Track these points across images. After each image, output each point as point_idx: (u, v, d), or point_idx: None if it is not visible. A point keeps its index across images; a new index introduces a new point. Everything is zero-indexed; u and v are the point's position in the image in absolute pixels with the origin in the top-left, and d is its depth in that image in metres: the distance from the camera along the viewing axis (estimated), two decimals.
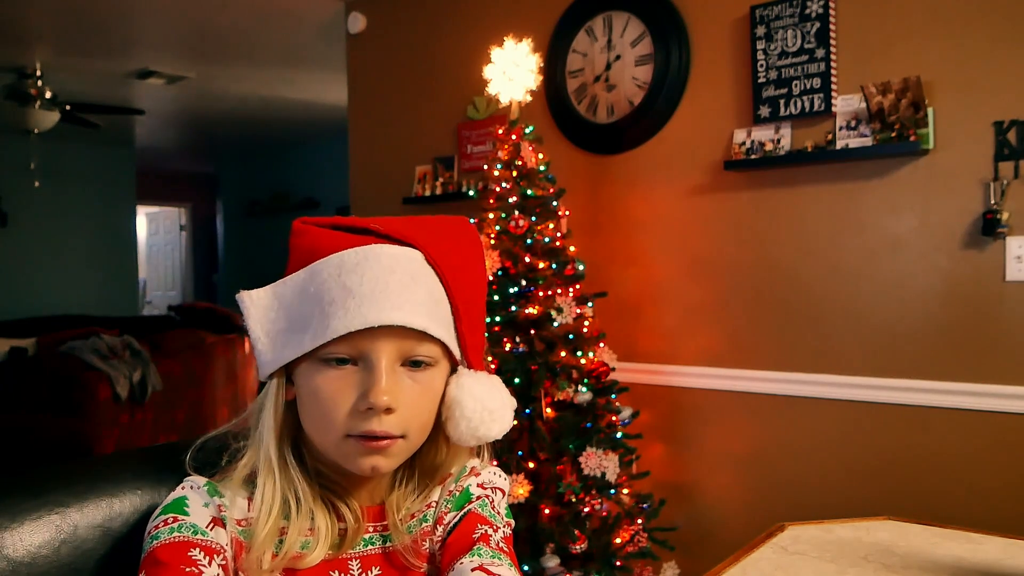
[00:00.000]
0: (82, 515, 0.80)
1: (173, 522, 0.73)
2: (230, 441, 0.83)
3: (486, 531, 0.81)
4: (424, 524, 0.84)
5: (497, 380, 0.85)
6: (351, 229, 0.81)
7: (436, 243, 0.81)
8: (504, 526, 0.84)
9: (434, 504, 0.85)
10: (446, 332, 0.79)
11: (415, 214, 3.57)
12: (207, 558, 0.72)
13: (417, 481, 0.86)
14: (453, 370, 0.83)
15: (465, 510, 0.83)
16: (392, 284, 0.76)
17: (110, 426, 4.67)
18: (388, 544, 0.83)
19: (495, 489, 0.87)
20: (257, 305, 0.80)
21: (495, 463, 0.94)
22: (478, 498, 0.85)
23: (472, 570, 0.75)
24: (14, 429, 4.86)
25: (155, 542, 0.72)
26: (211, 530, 0.74)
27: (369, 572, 0.81)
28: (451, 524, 0.83)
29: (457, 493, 0.85)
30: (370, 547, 0.82)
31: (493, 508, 0.85)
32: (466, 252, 0.85)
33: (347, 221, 0.81)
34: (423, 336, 0.77)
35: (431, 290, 0.79)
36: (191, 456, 0.83)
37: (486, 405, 0.81)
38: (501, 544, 0.81)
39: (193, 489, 0.77)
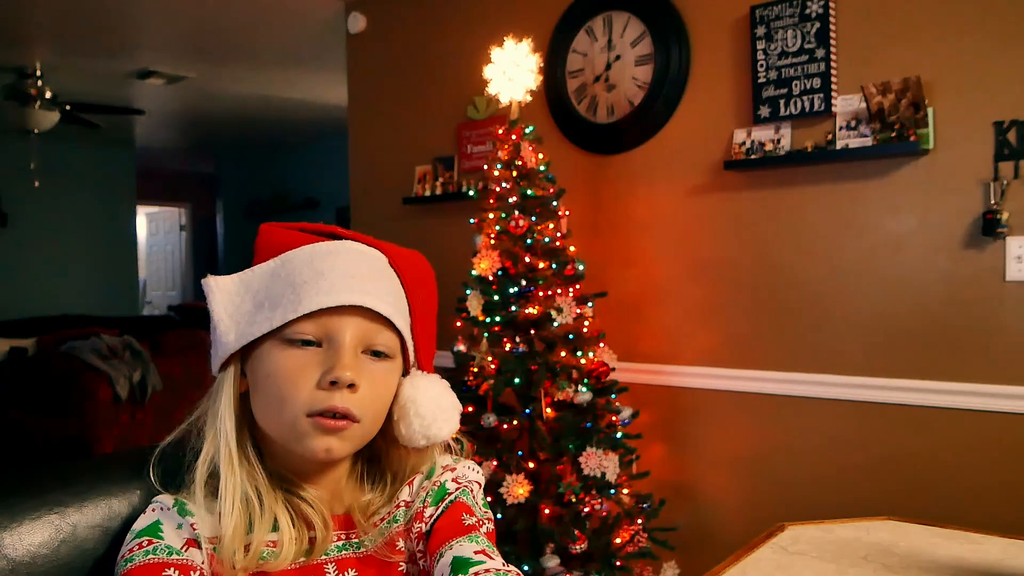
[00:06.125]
0: (81, 515, 0.80)
1: (148, 544, 0.74)
2: (189, 444, 0.82)
3: (475, 523, 0.82)
4: (395, 524, 0.84)
5: (447, 384, 0.87)
6: (318, 232, 0.85)
7: (397, 252, 0.86)
8: (487, 521, 0.85)
9: (403, 504, 0.86)
10: (403, 325, 0.82)
11: (415, 214, 3.59)
12: None
13: (388, 486, 0.87)
14: (403, 373, 0.86)
15: (447, 501, 0.84)
16: (362, 271, 0.80)
17: (110, 426, 4.67)
18: (361, 550, 0.83)
19: (471, 482, 0.88)
20: (223, 290, 0.82)
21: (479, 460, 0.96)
22: (457, 489, 0.86)
23: (475, 552, 0.76)
24: (14, 429, 4.86)
25: (129, 565, 0.73)
26: (186, 551, 0.75)
27: (345, 574, 0.81)
28: (433, 517, 0.83)
29: (434, 489, 0.85)
30: (344, 552, 0.83)
31: (474, 498, 0.86)
32: (423, 271, 0.89)
33: (312, 226, 0.86)
34: (384, 326, 0.80)
35: (394, 288, 0.83)
36: (154, 468, 0.83)
37: (439, 404, 0.84)
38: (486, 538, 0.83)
39: (164, 511, 0.77)
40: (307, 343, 0.77)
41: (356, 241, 0.84)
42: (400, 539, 0.84)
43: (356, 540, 0.84)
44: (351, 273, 0.79)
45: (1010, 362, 2.13)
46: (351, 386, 0.76)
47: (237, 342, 0.79)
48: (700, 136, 2.67)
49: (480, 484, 0.89)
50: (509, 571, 0.74)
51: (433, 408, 0.83)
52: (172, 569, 0.72)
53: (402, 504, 0.86)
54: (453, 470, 0.88)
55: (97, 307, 7.64)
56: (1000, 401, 2.14)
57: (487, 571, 0.73)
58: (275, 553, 0.77)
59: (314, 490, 0.82)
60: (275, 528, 0.78)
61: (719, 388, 2.65)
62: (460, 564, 0.75)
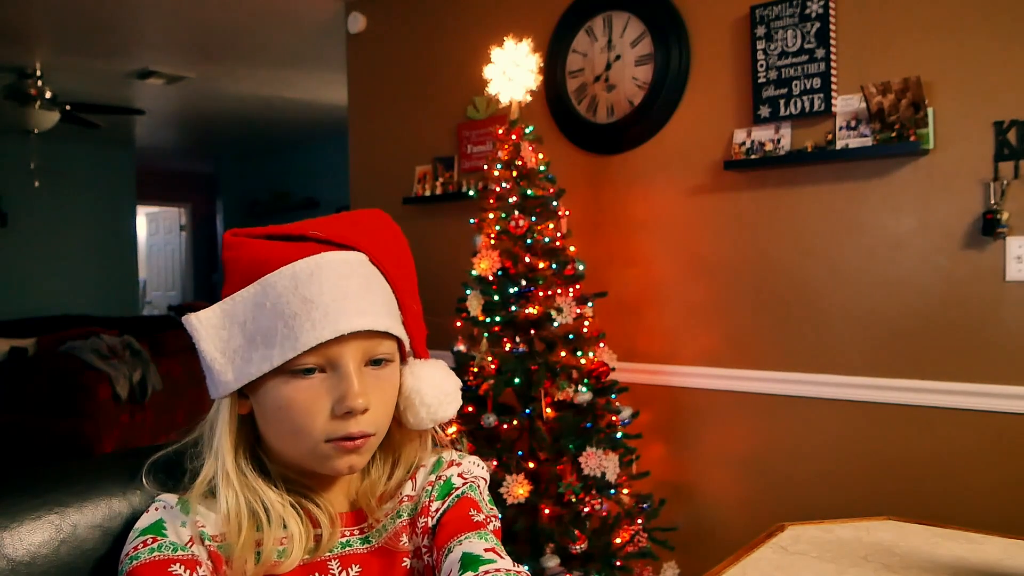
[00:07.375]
0: (82, 515, 0.80)
1: (152, 543, 0.74)
2: (186, 456, 0.82)
3: (483, 519, 0.82)
4: (400, 519, 0.85)
5: (444, 364, 0.88)
6: (289, 237, 0.81)
7: (375, 243, 0.83)
8: (493, 518, 0.85)
9: (406, 499, 0.86)
10: (399, 328, 0.82)
11: (415, 214, 3.58)
12: (188, 572, 0.72)
13: (390, 466, 0.88)
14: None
15: (453, 496, 0.84)
16: (351, 290, 0.77)
17: (110, 426, 4.67)
18: (367, 545, 0.83)
19: (477, 478, 0.88)
20: (207, 326, 0.80)
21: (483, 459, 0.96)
22: (464, 484, 0.86)
23: (485, 550, 0.76)
24: (14, 429, 4.86)
25: (135, 562, 0.73)
26: (191, 547, 0.75)
27: (349, 570, 0.81)
28: (440, 511, 0.83)
29: (440, 483, 0.86)
30: (348, 548, 0.83)
31: (480, 494, 0.86)
32: (397, 247, 0.87)
33: (281, 230, 0.82)
34: (382, 336, 0.79)
35: (382, 290, 0.81)
36: (146, 476, 0.83)
37: (443, 389, 0.85)
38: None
39: (167, 509, 0.78)
40: (310, 371, 0.77)
41: (332, 243, 0.80)
42: (404, 534, 0.84)
43: (362, 536, 0.84)
44: (341, 294, 0.76)
45: (1010, 362, 2.13)
46: (364, 410, 0.77)
47: (236, 381, 0.78)
48: (700, 136, 2.67)
49: (486, 480, 0.89)
50: (519, 571, 0.74)
51: (438, 394, 0.84)
52: (179, 565, 0.72)
53: (406, 499, 0.86)
54: (459, 465, 0.88)
55: (97, 307, 7.63)
56: (1000, 401, 2.14)
57: (497, 570, 0.73)
58: (284, 552, 0.78)
59: (321, 489, 0.83)
60: (284, 526, 0.79)
61: (719, 388, 2.65)
62: (470, 560, 0.75)
